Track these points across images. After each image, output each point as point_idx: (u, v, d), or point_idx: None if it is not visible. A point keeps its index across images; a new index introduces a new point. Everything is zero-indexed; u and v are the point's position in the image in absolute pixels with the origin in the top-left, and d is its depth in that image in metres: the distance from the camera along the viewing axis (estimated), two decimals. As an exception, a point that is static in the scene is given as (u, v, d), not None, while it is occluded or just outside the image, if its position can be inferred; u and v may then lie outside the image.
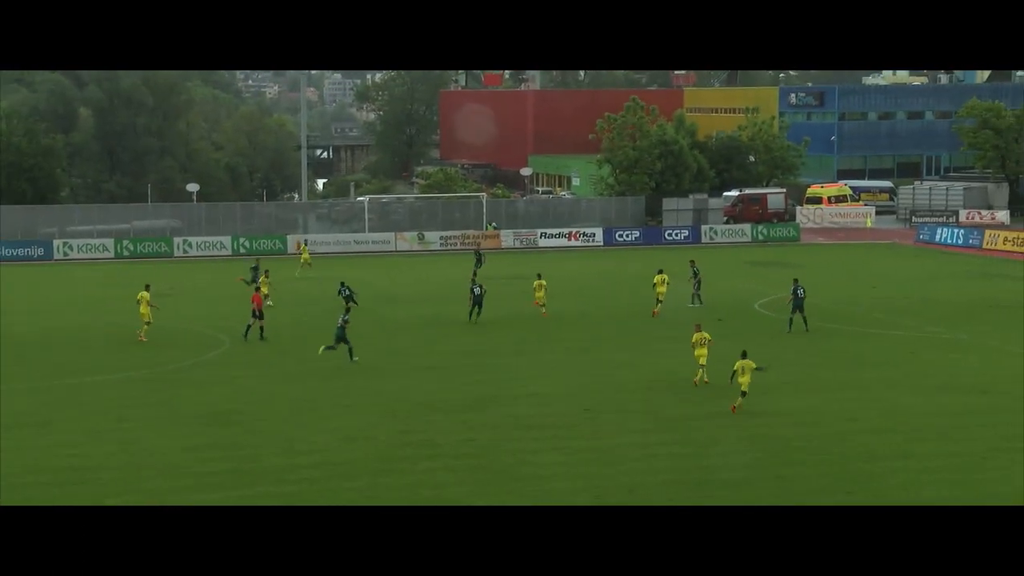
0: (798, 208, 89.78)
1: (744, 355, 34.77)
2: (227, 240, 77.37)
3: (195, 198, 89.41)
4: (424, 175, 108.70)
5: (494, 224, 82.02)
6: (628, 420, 33.56)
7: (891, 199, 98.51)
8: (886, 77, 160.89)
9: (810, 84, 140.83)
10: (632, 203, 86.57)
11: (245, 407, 35.22)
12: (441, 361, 41.76)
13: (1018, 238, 74.85)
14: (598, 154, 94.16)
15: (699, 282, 52.88)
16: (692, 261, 54.95)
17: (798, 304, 46.00)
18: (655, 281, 50.95)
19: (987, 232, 77.40)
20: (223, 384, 38.36)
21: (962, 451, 30.27)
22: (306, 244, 68.77)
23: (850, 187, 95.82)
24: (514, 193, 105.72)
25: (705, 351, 37.51)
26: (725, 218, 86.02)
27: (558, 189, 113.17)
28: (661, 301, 50.45)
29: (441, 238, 79.17)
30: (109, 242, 76.36)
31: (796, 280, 47.23)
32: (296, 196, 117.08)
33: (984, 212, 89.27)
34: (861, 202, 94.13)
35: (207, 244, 77.02)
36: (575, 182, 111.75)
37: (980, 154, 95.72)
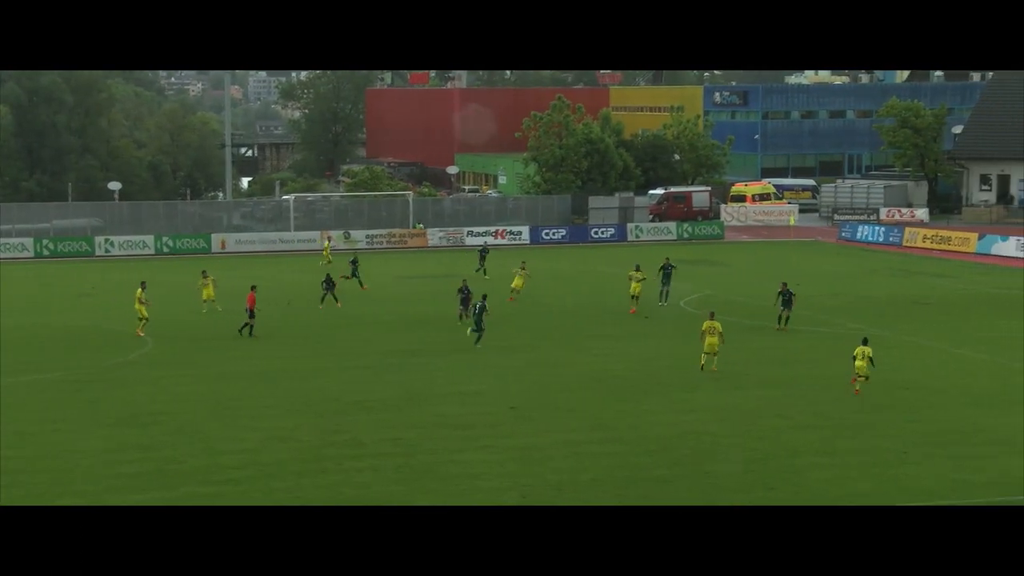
0: (722, 206, 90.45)
1: (865, 341, 36.36)
2: (150, 239, 76.42)
3: (117, 197, 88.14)
4: (350, 174, 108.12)
5: (420, 224, 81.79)
6: (556, 419, 33.55)
7: (814, 197, 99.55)
8: (808, 76, 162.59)
9: (734, 83, 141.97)
10: (558, 201, 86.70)
11: (169, 408, 34.77)
12: (370, 360, 41.52)
13: (937, 236, 75.99)
14: (524, 153, 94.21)
15: (667, 278, 52.70)
16: (667, 258, 54.97)
17: (786, 303, 46.17)
18: (631, 276, 50.86)
19: (907, 230, 78.49)
20: (148, 385, 37.85)
21: (884, 446, 30.62)
22: (329, 241, 71.39)
23: (773, 185, 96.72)
24: (441, 192, 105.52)
25: (716, 340, 38.57)
26: (651, 216, 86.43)
27: (485, 187, 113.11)
28: (636, 298, 50.29)
29: (367, 237, 78.80)
30: (28, 241, 75.10)
31: (785, 283, 47.39)
32: (220, 195, 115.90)
33: (904, 210, 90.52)
34: (784, 200, 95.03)
35: (129, 244, 76.01)
36: (501, 180, 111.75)
37: (900, 153, 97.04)
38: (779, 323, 46.48)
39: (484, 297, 44.76)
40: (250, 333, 45.55)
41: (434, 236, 79.68)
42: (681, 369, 39.88)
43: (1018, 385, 37.33)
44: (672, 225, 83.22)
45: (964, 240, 73.89)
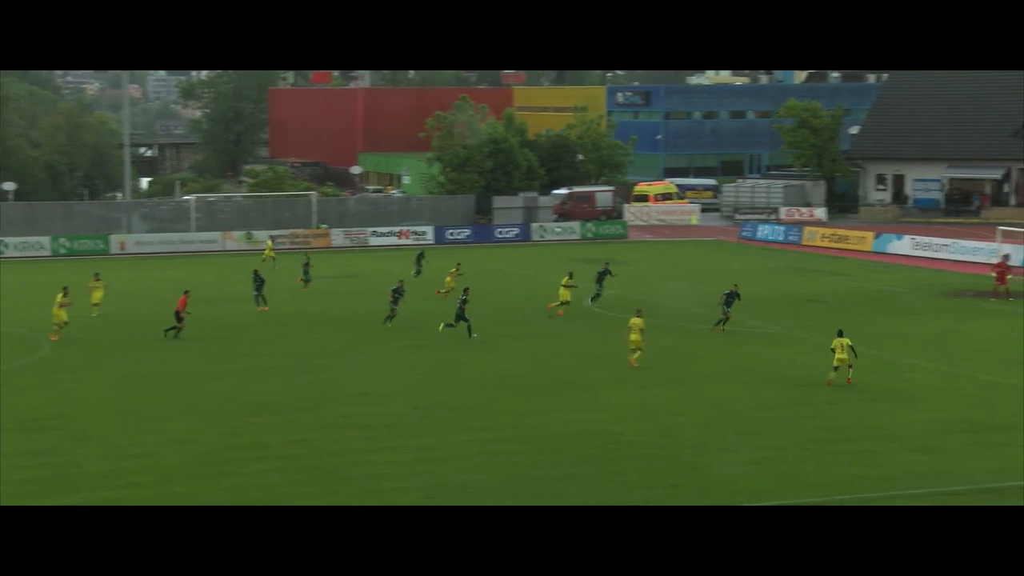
0: (626, 206, 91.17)
1: (840, 333, 37.28)
2: (46, 240, 75.07)
3: (11, 197, 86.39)
4: (252, 174, 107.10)
5: (324, 224, 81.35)
6: (462, 418, 33.63)
7: (715, 197, 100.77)
8: (709, 77, 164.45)
9: (636, 84, 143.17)
10: (463, 201, 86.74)
11: (69, 411, 34.25)
12: (272, 361, 41.25)
13: (835, 234, 77.37)
14: (428, 152, 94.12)
15: (602, 279, 52.86)
16: (606, 263, 55.24)
17: (729, 302, 46.41)
18: (565, 283, 50.74)
19: (806, 229, 79.80)
20: (46, 389, 37.22)
21: (784, 443, 31.15)
22: (271, 240, 71.34)
23: (676, 185, 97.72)
24: (344, 192, 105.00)
25: (637, 337, 39.35)
26: (555, 216, 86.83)
27: (389, 188, 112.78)
28: (565, 303, 50.09)
29: (270, 237, 78.16)
30: (-80, 243, 73.40)
31: (736, 285, 47.71)
32: (119, 195, 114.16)
33: (803, 209, 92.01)
34: (686, 200, 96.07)
35: (24, 245, 74.59)
36: (405, 180, 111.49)
37: (798, 153, 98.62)
38: (718, 324, 46.23)
39: (466, 291, 46.11)
40: (175, 335, 44.98)
41: (338, 236, 79.31)
42: (585, 368, 40.18)
43: (910, 381, 38.19)
44: (576, 225, 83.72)
45: (861, 239, 75.31)
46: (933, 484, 27.38)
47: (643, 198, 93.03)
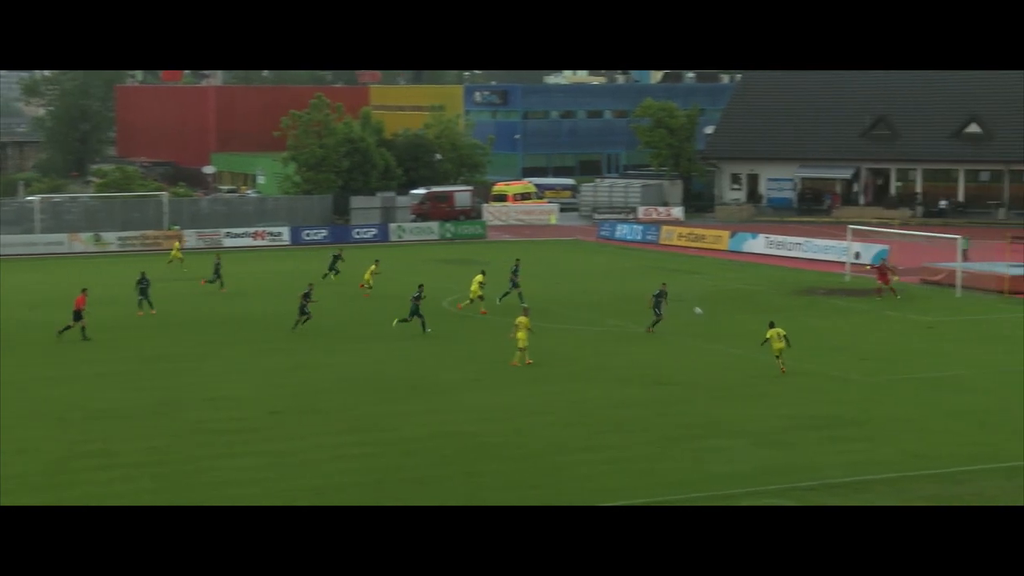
0: (484, 206, 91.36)
1: (772, 324, 39.39)
2: None
3: None
4: (100, 173, 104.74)
5: (176, 225, 79.92)
6: (318, 422, 33.32)
7: (573, 196, 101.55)
8: (567, 77, 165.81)
9: (494, 83, 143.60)
10: (319, 202, 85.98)
11: (-98, 423, 32.99)
12: (120, 366, 40.33)
13: (692, 234, 78.56)
14: (284, 152, 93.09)
15: (515, 278, 52.98)
16: (517, 260, 55.28)
17: (659, 303, 46.26)
18: (475, 280, 50.77)
19: (663, 228, 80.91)
20: None
21: (643, 441, 31.50)
22: (180, 241, 70.02)
23: (534, 185, 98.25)
24: (197, 192, 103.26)
25: (524, 335, 39.55)
26: (413, 216, 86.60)
27: (243, 188, 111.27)
28: (473, 301, 50.14)
29: (119, 239, 76.50)
30: None
31: (664, 284, 47.67)
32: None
33: (660, 208, 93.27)
34: (545, 199, 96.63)
35: None
36: (260, 180, 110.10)
37: (655, 152, 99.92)
38: (652, 326, 46.09)
39: (420, 287, 46.54)
40: (83, 336, 44.05)
41: (191, 238, 77.96)
42: (445, 369, 40.13)
43: (764, 377, 38.96)
44: (435, 225, 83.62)
45: (717, 238, 76.61)
46: (786, 480, 27.92)
47: (502, 198, 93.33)
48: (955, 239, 59.96)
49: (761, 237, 74.56)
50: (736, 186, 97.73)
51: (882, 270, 54.76)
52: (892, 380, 38.66)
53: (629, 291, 57.47)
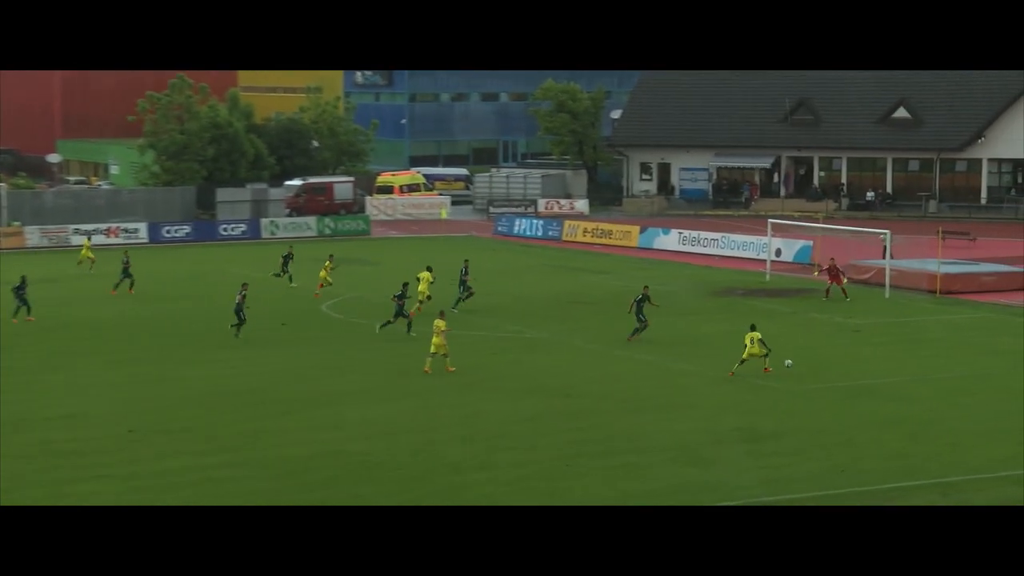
0: (367, 199, 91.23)
1: (753, 328, 40.55)
2: None
3: None
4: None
5: (17, 221, 78.65)
6: (182, 441, 33.08)
7: (467, 188, 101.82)
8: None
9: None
10: (181, 194, 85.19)
11: None
12: (-45, 382, 39.65)
13: (598, 229, 79.24)
14: (140, 139, 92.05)
15: (465, 282, 53.38)
16: (466, 260, 55.60)
17: (641, 308, 46.21)
18: (419, 278, 50.98)
19: (566, 223, 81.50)
20: None
21: (548, 457, 31.73)
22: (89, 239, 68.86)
23: (423, 175, 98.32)
24: (40, 184, 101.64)
25: (440, 340, 39.97)
26: (287, 210, 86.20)
27: (94, 179, 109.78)
28: (422, 301, 50.39)
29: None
30: None
31: (646, 287, 47.73)
32: None
33: (563, 201, 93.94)
34: (435, 191, 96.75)
35: None
36: (114, 170, 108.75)
37: (557, 140, 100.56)
38: (634, 333, 46.10)
39: (405, 285, 47.46)
40: None
41: (33, 235, 76.75)
42: (325, 381, 40.05)
43: (682, 387, 39.47)
44: (312, 220, 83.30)
45: (626, 234, 77.36)
46: (704, 499, 28.35)
47: (387, 190, 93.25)
48: (884, 234, 61.30)
49: (673, 233, 75.42)
50: (646, 177, 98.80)
51: (832, 270, 55.62)
52: (816, 388, 39.41)
53: (529, 293, 57.83)
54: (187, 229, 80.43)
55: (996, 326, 50.67)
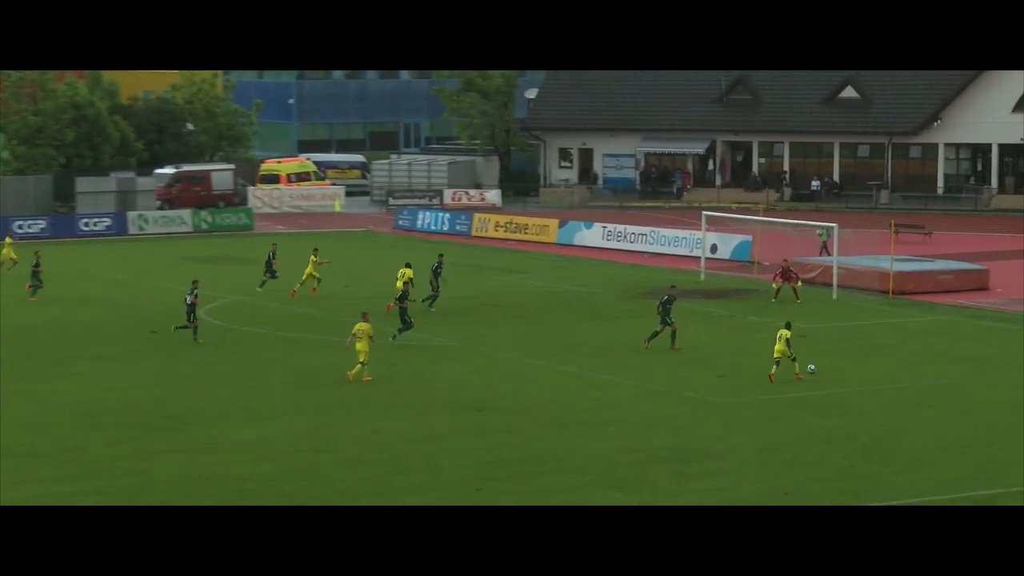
0: (250, 189, 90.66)
1: (788, 325, 41.76)
2: None
3: None
4: None
5: None
6: (38, 466, 32.61)
7: (364, 177, 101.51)
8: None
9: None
10: (35, 184, 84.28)
11: None
12: None
13: (512, 223, 79.23)
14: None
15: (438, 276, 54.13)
16: (440, 255, 56.47)
17: (668, 310, 46.11)
18: (398, 275, 51.25)
19: (476, 216, 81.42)
20: None
21: (451, 481, 31.56)
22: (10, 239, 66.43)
23: (314, 162, 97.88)
24: None
25: (364, 346, 40.60)
26: (159, 202, 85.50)
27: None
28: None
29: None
30: None
31: (673, 287, 47.96)
32: None
33: (472, 192, 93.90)
34: (328, 181, 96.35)
35: None
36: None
37: (465, 122, 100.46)
38: (668, 339, 46.11)
39: (410, 281, 48.36)
40: None
41: None
42: (197, 397, 39.65)
43: (605, 400, 39.45)
44: (186, 213, 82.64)
45: (543, 228, 77.43)
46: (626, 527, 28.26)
47: (272, 179, 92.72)
48: (821, 229, 61.73)
49: (596, 227, 75.60)
50: (565, 164, 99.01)
51: (786, 271, 55.91)
52: (757, 401, 39.58)
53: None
54: (42, 224, 79.37)
55: (954, 330, 51.24)
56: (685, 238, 70.76)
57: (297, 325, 50.52)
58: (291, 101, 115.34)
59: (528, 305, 55.84)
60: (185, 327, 46.88)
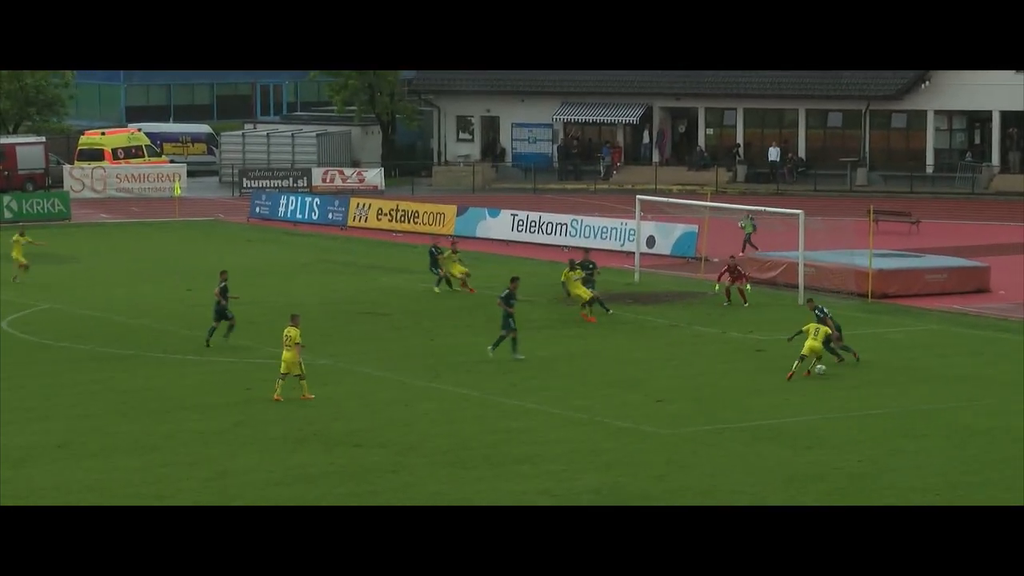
0: (66, 168, 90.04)
1: (821, 316, 45.77)
2: None
3: None
4: None
5: None
6: None
7: (211, 152, 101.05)
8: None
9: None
10: None
11: None
12: None
13: (398, 210, 79.16)
14: None
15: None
16: (434, 245, 57.92)
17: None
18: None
19: (353, 202, 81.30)
20: None
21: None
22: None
23: (147, 134, 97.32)
24: None
25: (293, 356, 42.06)
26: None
27: None
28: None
29: None
30: None
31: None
32: None
33: (348, 171, 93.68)
34: (165, 157, 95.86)
35: None
36: None
37: (338, 84, 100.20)
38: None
39: (514, 279, 49.12)
40: None
41: None
42: (9, 430, 39.38)
43: (518, 432, 39.53)
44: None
45: (437, 216, 77.46)
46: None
47: (95, 155, 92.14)
48: (796, 214, 62.12)
49: (504, 214, 75.74)
50: (465, 136, 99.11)
51: (734, 269, 56.25)
52: (704, 432, 39.76)
53: (301, 301, 57.42)
54: None
55: (947, 342, 51.74)
56: (615, 228, 71.01)
57: (126, 339, 50.21)
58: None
59: (418, 313, 55.87)
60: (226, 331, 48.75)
